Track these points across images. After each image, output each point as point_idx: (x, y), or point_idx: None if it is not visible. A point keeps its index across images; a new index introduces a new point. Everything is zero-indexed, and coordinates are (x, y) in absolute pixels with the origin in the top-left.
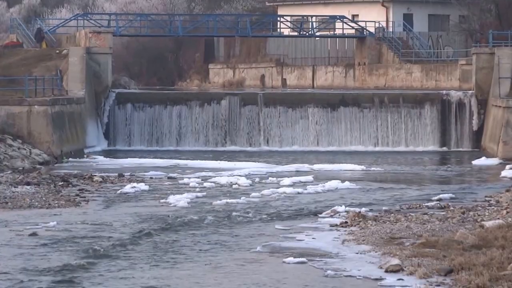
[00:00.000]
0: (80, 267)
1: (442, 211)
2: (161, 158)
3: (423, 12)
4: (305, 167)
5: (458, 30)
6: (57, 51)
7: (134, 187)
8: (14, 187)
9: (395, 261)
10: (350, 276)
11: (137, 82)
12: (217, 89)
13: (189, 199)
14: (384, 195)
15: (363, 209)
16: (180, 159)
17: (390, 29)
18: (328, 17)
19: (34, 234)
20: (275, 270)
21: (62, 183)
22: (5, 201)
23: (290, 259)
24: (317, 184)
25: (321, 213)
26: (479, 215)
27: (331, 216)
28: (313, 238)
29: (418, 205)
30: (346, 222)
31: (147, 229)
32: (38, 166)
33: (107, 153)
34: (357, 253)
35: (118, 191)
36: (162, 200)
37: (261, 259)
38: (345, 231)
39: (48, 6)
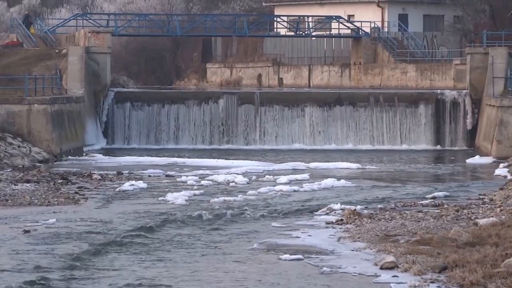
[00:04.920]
0: (78, 263)
1: (437, 209)
2: (159, 156)
3: (418, 12)
4: (301, 165)
5: (452, 30)
6: (57, 51)
7: (133, 185)
8: (14, 184)
9: (390, 258)
10: (345, 273)
11: (135, 81)
12: (214, 88)
13: (187, 196)
14: (379, 193)
15: (358, 207)
16: (178, 157)
17: (386, 29)
18: (324, 17)
19: (27, 232)
20: (272, 267)
21: (62, 181)
22: (5, 198)
23: (286, 256)
24: (313, 182)
25: (317, 211)
26: (473, 213)
27: (327, 214)
28: (309, 236)
29: (412, 203)
30: (341, 220)
31: (145, 226)
32: (37, 164)
33: (106, 151)
34: (352, 250)
35: (117, 189)
36: (160, 198)
37: (258, 256)
38: (341, 228)
39: (48, 6)
